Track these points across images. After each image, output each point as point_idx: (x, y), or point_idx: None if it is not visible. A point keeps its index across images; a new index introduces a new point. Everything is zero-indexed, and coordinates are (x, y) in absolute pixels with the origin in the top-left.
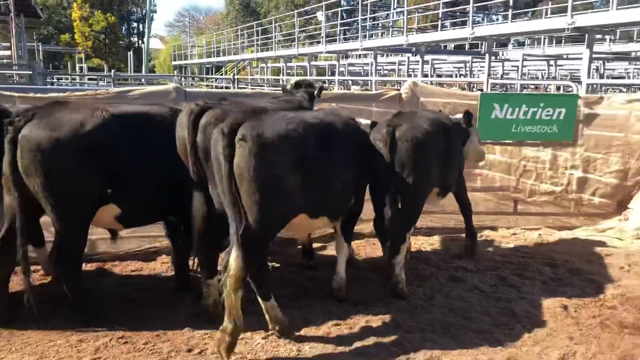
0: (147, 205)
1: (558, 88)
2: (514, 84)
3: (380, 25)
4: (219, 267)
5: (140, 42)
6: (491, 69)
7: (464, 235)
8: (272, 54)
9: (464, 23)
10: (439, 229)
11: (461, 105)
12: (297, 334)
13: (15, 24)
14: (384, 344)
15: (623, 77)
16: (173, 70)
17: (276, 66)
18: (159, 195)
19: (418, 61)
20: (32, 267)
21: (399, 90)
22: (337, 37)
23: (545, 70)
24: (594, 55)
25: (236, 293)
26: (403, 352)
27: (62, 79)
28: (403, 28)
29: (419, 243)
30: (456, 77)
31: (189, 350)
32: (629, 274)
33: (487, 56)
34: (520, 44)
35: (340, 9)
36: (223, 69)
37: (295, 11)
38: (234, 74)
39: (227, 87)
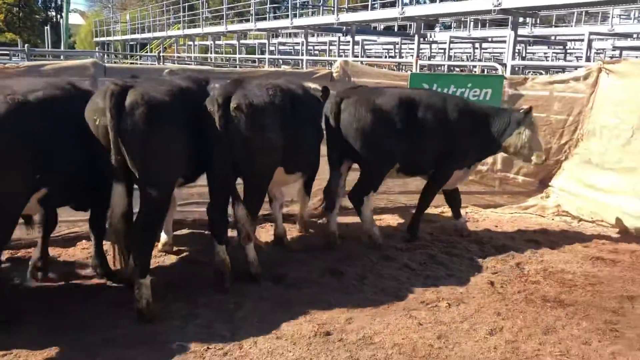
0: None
1: (483, 70)
2: (442, 65)
3: (310, 3)
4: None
5: (58, 16)
6: (420, 50)
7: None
8: (199, 31)
9: (393, 4)
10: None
11: (391, 85)
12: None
13: None
14: (317, 325)
15: (543, 60)
16: (95, 47)
17: (204, 44)
18: (79, 179)
19: (349, 42)
20: None
21: (330, 69)
22: (267, 15)
23: (470, 52)
24: (517, 39)
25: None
26: (335, 332)
27: None
28: (334, 7)
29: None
30: (386, 58)
31: None
32: (550, 250)
33: (416, 37)
34: (447, 27)
35: None
36: (148, 46)
37: None
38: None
39: (152, 65)
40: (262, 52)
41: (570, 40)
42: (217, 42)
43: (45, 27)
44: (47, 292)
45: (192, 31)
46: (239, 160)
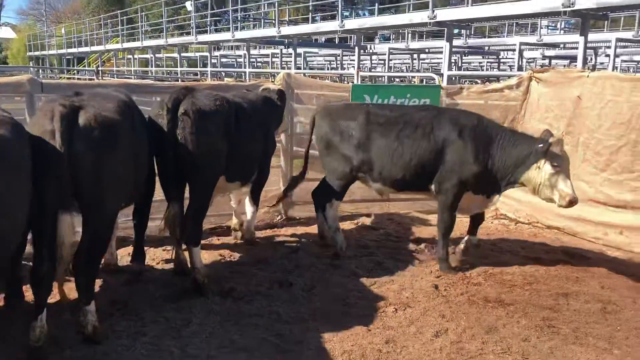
0: None
1: (421, 80)
2: (382, 76)
3: (251, 16)
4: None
5: None
6: (360, 62)
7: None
8: (139, 45)
9: (333, 17)
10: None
11: (333, 97)
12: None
13: None
14: (267, 338)
15: (478, 70)
16: (29, 61)
17: (144, 57)
18: None
19: (291, 54)
20: None
21: (273, 82)
22: (208, 28)
23: (409, 63)
24: (453, 49)
25: None
26: (285, 344)
27: None
28: (275, 20)
29: (299, 233)
30: (328, 69)
31: None
32: (492, 252)
33: (356, 49)
34: (386, 39)
35: None
36: (86, 60)
37: (163, 0)
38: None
39: (90, 80)
40: (204, 65)
41: (503, 50)
42: (157, 55)
43: None
44: None
45: (132, 44)
46: (185, 166)
